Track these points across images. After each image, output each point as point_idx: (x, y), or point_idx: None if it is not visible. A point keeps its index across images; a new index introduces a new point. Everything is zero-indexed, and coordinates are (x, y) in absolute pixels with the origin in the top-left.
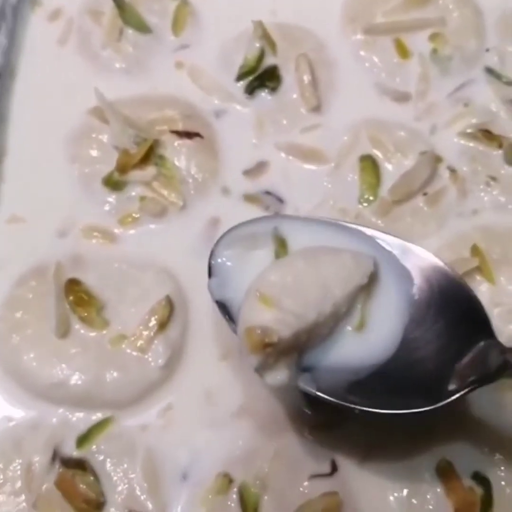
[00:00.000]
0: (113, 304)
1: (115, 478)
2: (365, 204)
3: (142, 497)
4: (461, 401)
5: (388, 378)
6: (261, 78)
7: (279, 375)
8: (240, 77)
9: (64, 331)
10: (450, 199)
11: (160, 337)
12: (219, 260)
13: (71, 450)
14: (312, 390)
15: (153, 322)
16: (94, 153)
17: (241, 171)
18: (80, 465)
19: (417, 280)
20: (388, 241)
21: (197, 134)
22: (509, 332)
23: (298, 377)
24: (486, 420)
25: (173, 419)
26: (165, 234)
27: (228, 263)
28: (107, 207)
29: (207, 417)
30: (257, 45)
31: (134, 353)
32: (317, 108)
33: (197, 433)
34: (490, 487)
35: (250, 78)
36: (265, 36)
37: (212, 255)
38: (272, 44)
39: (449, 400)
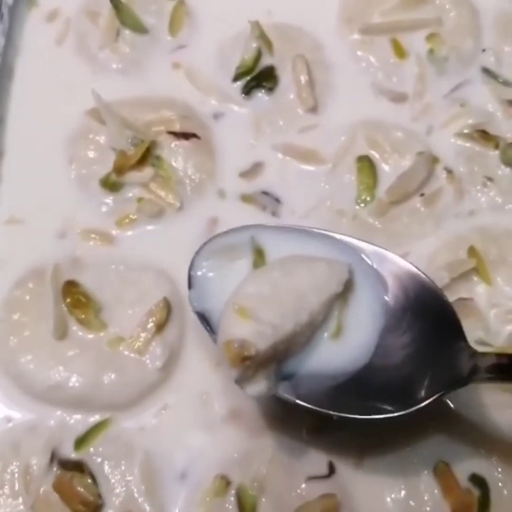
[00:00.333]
0: (111, 306)
1: (113, 480)
2: (362, 205)
3: (140, 500)
4: (441, 402)
5: (364, 383)
6: (258, 78)
7: (258, 386)
8: (237, 78)
9: (61, 333)
10: (447, 199)
11: (158, 339)
12: (199, 272)
13: (69, 452)
14: (291, 398)
15: (150, 324)
16: (91, 154)
17: (238, 171)
18: (78, 467)
19: (392, 286)
20: (363, 248)
21: (194, 135)
22: (506, 333)
23: (278, 386)
24: (483, 422)
25: (171, 421)
26: (162, 235)
27: (208, 274)
28: (104, 209)
29: (204, 419)
30: (254, 45)
31: (132, 355)
32: (314, 109)
33: (194, 435)
34: (487, 489)
35: (247, 78)
36: (262, 37)
37: (191, 266)
38: (268, 45)
39: (420, 406)
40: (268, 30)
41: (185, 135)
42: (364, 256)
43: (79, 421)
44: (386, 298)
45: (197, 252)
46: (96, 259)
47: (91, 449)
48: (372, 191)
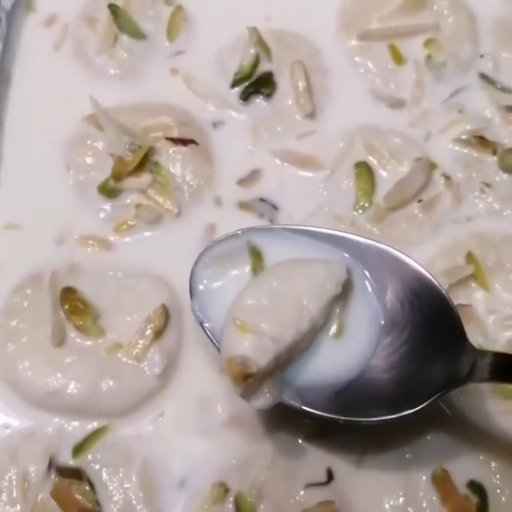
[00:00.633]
0: (109, 312)
1: (111, 487)
2: (360, 211)
3: (138, 507)
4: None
5: (366, 385)
6: (256, 84)
7: (264, 399)
8: (235, 84)
9: (59, 340)
10: (444, 205)
11: (156, 346)
12: (199, 281)
13: (67, 459)
14: (297, 405)
15: (149, 330)
16: (89, 160)
17: (236, 179)
18: (76, 474)
19: (392, 283)
20: (363, 244)
21: (192, 141)
22: (504, 339)
23: (283, 393)
24: (481, 429)
25: (169, 428)
26: (160, 242)
27: (209, 283)
28: (102, 215)
29: (203, 425)
30: (252, 51)
31: (130, 362)
32: (312, 115)
33: (193, 442)
34: (485, 495)
35: (245, 84)
36: (260, 42)
37: (192, 276)
38: (267, 50)
39: (422, 405)
40: (266, 36)
41: (183, 141)
42: (363, 253)
43: (77, 428)
44: (386, 295)
45: (196, 262)
46: (94, 266)
47: (89, 456)
48: (370, 197)
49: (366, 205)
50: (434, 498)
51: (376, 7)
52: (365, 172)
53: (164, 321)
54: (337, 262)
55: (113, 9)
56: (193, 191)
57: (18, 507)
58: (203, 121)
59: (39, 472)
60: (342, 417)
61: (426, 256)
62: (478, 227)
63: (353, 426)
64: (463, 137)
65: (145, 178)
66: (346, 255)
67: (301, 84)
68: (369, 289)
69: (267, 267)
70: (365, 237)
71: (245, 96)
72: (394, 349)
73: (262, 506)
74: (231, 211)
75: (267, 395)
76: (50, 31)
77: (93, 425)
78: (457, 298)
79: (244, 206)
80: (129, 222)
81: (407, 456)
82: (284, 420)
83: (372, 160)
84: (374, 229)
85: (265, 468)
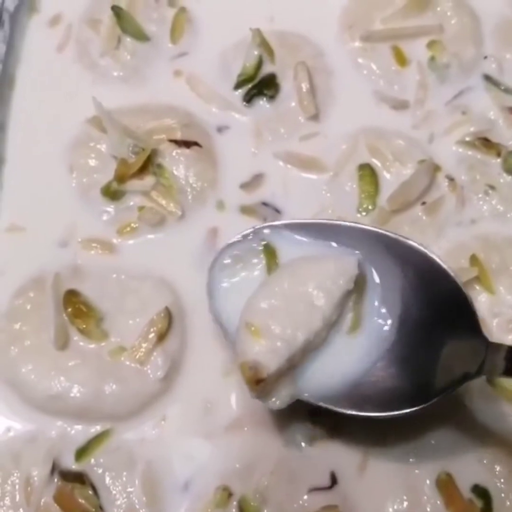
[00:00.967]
0: (112, 315)
1: (114, 491)
2: (363, 213)
3: (141, 511)
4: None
5: (379, 380)
6: (259, 86)
7: (278, 399)
8: (238, 85)
9: (62, 343)
10: (448, 208)
11: (159, 349)
12: (217, 282)
13: (70, 463)
14: (313, 401)
15: (152, 334)
16: (92, 162)
17: (239, 182)
18: (79, 478)
19: (408, 275)
20: (379, 235)
21: (195, 143)
22: (508, 342)
23: (298, 391)
24: (486, 432)
25: (172, 432)
26: (163, 244)
27: (224, 284)
28: (105, 217)
29: (206, 429)
30: (255, 53)
31: (133, 365)
32: (315, 116)
33: (196, 445)
34: (490, 499)
35: (248, 86)
36: (263, 44)
37: (209, 277)
38: (270, 52)
39: (433, 401)
40: (270, 38)
41: (187, 143)
42: (377, 243)
43: (80, 431)
44: (401, 287)
45: (213, 263)
46: (97, 268)
47: (92, 460)
48: (373, 200)
49: (370, 207)
50: (438, 502)
51: (379, 8)
52: (368, 174)
53: (167, 324)
54: (348, 256)
55: (117, 11)
56: (196, 194)
57: (21, 511)
58: (207, 124)
59: (42, 476)
60: (359, 413)
61: None
62: (482, 229)
63: (357, 429)
64: (467, 139)
65: (148, 180)
66: (357, 251)
67: (304, 86)
68: (386, 281)
69: (280, 265)
70: (378, 228)
71: (249, 98)
72: (407, 343)
73: (265, 511)
74: (234, 215)
75: (282, 395)
76: (54, 33)
77: (96, 428)
78: None
79: (246, 210)
80: (132, 225)
81: (411, 460)
82: (287, 424)
83: (376, 162)
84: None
85: (269, 472)
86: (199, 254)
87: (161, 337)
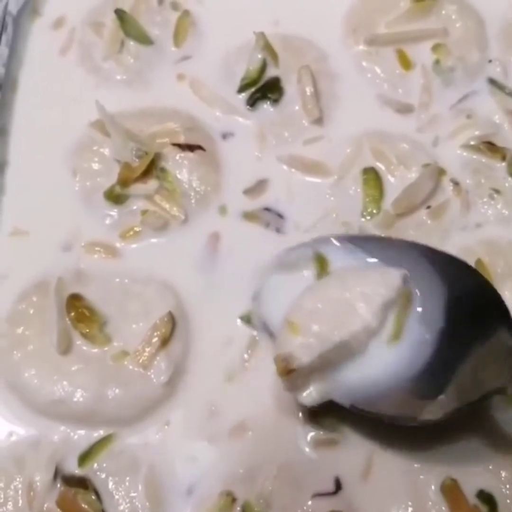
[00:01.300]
0: (115, 319)
1: (117, 496)
2: (368, 217)
3: None
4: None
5: (414, 388)
6: (263, 89)
7: (310, 395)
8: (242, 89)
9: (65, 348)
10: (453, 212)
11: (162, 354)
12: (265, 284)
13: (73, 468)
14: (345, 404)
15: (155, 338)
16: (95, 166)
17: (243, 188)
18: (82, 483)
19: (454, 290)
20: (427, 252)
21: (199, 147)
22: None
23: (332, 392)
24: (491, 437)
25: (176, 436)
26: (166, 248)
27: (275, 288)
28: (108, 221)
29: (209, 434)
30: (259, 56)
31: (137, 370)
32: (319, 120)
33: (199, 450)
34: (495, 505)
35: (252, 90)
36: (267, 48)
37: (259, 280)
38: (274, 56)
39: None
40: (273, 41)
41: (190, 147)
42: (424, 259)
43: (83, 436)
44: (446, 302)
45: (264, 269)
46: (101, 272)
47: (95, 464)
48: (378, 204)
49: (374, 211)
50: (443, 508)
51: (384, 12)
52: (373, 178)
53: (170, 328)
54: (394, 270)
55: (120, 15)
56: (200, 197)
57: None
58: (211, 128)
59: (45, 481)
60: (391, 415)
61: None
62: (487, 233)
63: (361, 434)
64: (472, 142)
65: (151, 184)
66: (408, 262)
67: (308, 90)
68: (430, 295)
69: (330, 272)
70: (423, 243)
71: (252, 102)
72: (445, 356)
73: None
74: (236, 221)
75: (313, 392)
76: (57, 36)
77: (99, 433)
78: None
79: (248, 216)
80: (135, 229)
81: (415, 465)
82: (291, 429)
83: (380, 166)
84: (382, 235)
85: (273, 477)
86: (201, 258)
87: (165, 341)
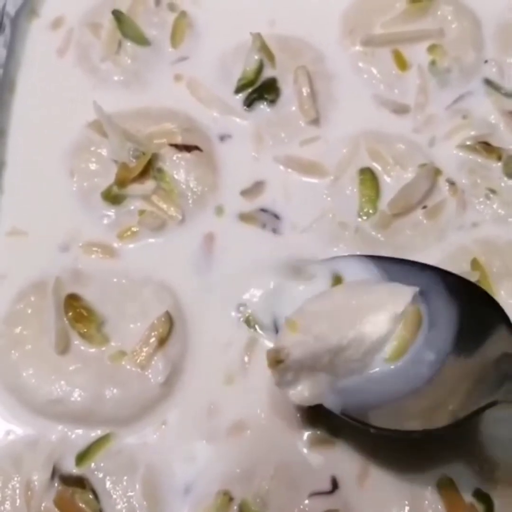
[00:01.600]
0: (113, 319)
1: (114, 496)
2: (364, 217)
3: None
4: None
5: (411, 404)
6: (260, 90)
7: (300, 393)
8: (238, 90)
9: (63, 347)
10: (449, 212)
11: (160, 354)
12: (279, 287)
13: (70, 468)
14: (335, 410)
15: (153, 338)
16: (93, 166)
17: (240, 188)
18: (79, 483)
19: (464, 317)
20: (442, 276)
21: (196, 148)
22: None
23: (325, 398)
24: (487, 437)
25: (173, 436)
26: (164, 248)
27: (287, 292)
28: (106, 221)
29: (207, 434)
30: (256, 57)
31: (134, 370)
32: (315, 121)
33: (197, 450)
34: (491, 504)
35: (249, 90)
36: (264, 48)
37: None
38: (270, 56)
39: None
40: (270, 42)
41: (187, 148)
42: (440, 283)
43: (80, 436)
44: (456, 324)
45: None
46: (98, 272)
47: (93, 464)
48: (374, 204)
49: (371, 211)
50: (439, 507)
51: (380, 13)
52: (369, 178)
53: (168, 328)
54: (406, 287)
55: (117, 15)
56: (197, 198)
57: None
58: (208, 129)
59: (43, 481)
60: (383, 427)
61: (431, 262)
62: (483, 233)
63: (358, 434)
64: (468, 143)
65: (149, 184)
66: (420, 283)
67: (304, 90)
68: (440, 316)
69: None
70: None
71: (249, 102)
72: (446, 378)
73: None
74: (233, 221)
75: (304, 391)
76: (54, 37)
77: (97, 433)
78: None
79: (245, 217)
80: (133, 229)
81: (412, 465)
82: (288, 429)
83: (376, 166)
84: (379, 235)
85: (269, 477)
86: (199, 258)
87: (162, 341)
